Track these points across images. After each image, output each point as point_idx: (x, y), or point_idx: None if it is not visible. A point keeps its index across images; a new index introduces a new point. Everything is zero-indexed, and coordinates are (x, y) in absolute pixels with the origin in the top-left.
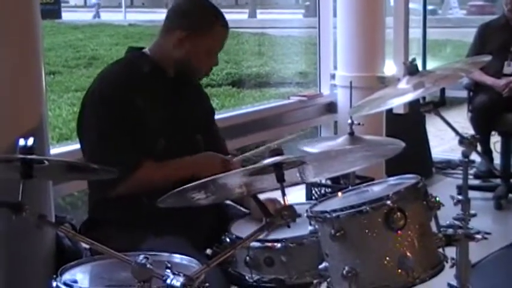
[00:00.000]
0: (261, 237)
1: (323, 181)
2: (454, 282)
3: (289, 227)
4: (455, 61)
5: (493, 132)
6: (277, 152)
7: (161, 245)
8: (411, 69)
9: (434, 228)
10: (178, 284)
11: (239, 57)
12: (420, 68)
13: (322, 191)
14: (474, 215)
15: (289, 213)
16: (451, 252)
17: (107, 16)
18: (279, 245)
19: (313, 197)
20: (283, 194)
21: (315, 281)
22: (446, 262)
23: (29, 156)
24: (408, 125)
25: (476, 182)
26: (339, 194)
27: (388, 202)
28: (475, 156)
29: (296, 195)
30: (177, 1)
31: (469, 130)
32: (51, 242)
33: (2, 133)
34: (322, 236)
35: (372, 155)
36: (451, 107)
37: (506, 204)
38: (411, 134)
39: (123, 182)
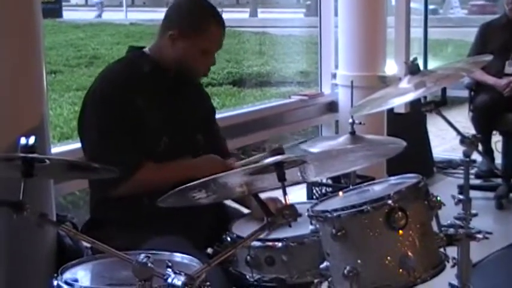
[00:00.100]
0: (262, 236)
1: (324, 180)
2: (455, 282)
3: (290, 226)
4: (457, 61)
5: (494, 132)
6: (279, 151)
7: (162, 244)
8: (412, 69)
9: (435, 228)
10: (179, 283)
11: (240, 57)
12: (421, 67)
13: (323, 191)
14: (475, 215)
15: (290, 213)
16: (452, 251)
17: (108, 15)
18: (280, 244)
19: (314, 197)
20: (285, 193)
21: (315, 281)
22: (448, 262)
23: (30, 155)
24: (409, 125)
25: (478, 181)
26: (340, 193)
27: (389, 202)
28: (476, 156)
29: (297, 195)
30: (176, 0)
31: (470, 130)
32: (52, 240)
33: (3, 132)
34: (323, 236)
35: (373, 154)
36: (452, 107)
37: (508, 203)
38: (412, 133)
39: (124, 182)
